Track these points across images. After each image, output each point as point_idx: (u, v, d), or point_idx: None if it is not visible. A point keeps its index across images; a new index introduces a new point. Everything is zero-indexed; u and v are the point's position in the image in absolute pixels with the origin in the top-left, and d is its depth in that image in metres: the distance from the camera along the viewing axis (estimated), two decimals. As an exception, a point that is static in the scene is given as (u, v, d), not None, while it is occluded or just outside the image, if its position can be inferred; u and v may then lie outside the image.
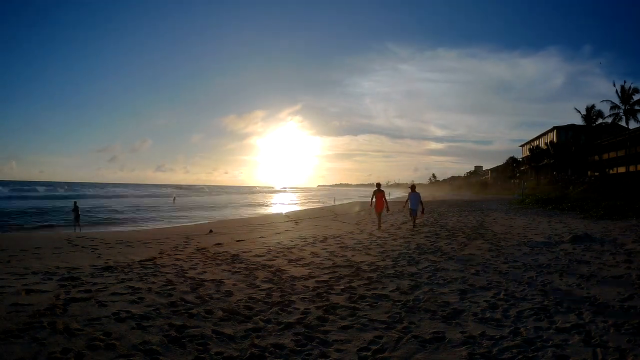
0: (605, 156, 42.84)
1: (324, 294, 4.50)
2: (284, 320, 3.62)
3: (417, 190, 11.73)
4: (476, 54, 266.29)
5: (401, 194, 74.12)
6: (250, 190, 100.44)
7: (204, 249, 7.79)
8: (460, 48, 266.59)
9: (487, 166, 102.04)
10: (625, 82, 37.65)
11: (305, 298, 4.36)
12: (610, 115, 38.80)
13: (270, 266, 6.07)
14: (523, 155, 68.75)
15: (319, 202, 38.15)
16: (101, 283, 4.85)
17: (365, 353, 2.98)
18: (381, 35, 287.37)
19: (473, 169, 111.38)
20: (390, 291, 4.65)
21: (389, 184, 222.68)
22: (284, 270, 5.79)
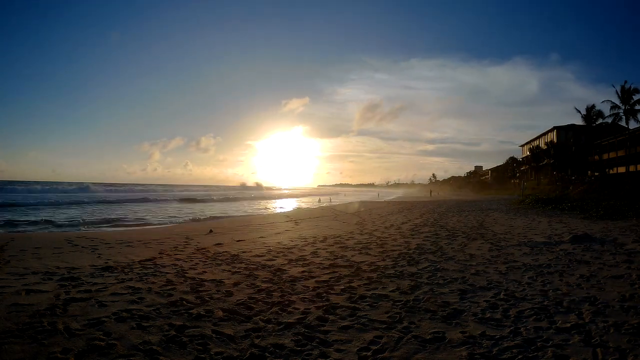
0: (605, 156, 42.89)
1: (324, 294, 4.50)
2: (284, 320, 3.62)
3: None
4: (447, 64, 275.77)
5: (398, 194, 74.03)
6: (253, 190, 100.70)
7: (204, 249, 7.79)
8: (432, 59, 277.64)
9: (482, 166, 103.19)
10: (625, 82, 37.62)
11: (305, 298, 4.36)
12: (610, 115, 38.84)
13: (270, 266, 6.07)
14: (523, 155, 68.82)
15: (319, 202, 38.16)
16: (101, 283, 4.85)
17: (365, 353, 2.98)
18: (354, 49, 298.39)
19: (473, 169, 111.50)
20: (390, 291, 4.66)
21: (389, 184, 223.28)
22: (284, 270, 5.80)
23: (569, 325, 3.50)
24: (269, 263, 6.32)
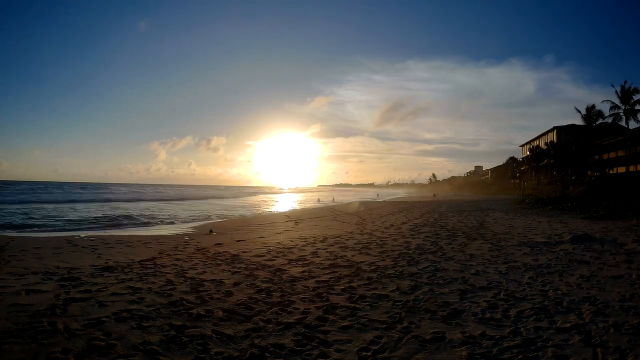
0: (605, 156, 42.84)
1: (324, 294, 4.50)
2: (284, 320, 3.62)
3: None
4: (443, 66, 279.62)
5: (397, 194, 74.02)
6: (254, 191, 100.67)
7: (204, 249, 7.79)
8: (427, 61, 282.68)
9: (482, 166, 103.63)
10: (625, 82, 37.53)
11: (305, 298, 4.36)
12: (610, 115, 38.71)
13: (270, 266, 6.07)
14: (523, 155, 68.77)
15: (319, 202, 38.13)
16: (101, 283, 4.85)
17: (365, 353, 2.98)
18: (351, 50, 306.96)
19: (473, 169, 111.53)
20: (390, 291, 4.66)
21: (389, 184, 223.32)
22: (284, 270, 5.80)
23: (569, 325, 3.50)
24: (269, 263, 6.32)
